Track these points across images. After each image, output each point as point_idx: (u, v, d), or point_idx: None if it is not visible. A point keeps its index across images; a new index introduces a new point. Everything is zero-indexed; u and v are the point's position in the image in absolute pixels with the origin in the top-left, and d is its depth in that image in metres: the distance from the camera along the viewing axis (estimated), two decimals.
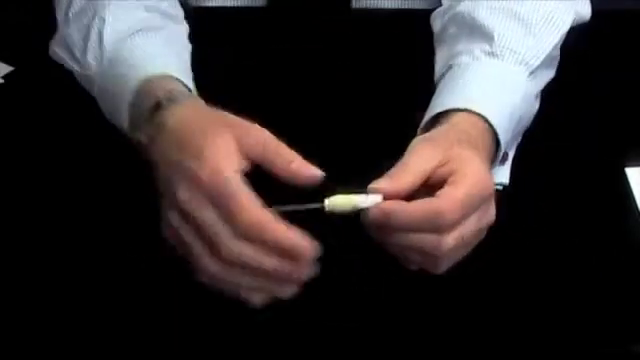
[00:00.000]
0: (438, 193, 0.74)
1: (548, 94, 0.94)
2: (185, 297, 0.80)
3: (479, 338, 0.79)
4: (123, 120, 0.85)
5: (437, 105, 0.85)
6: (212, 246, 0.72)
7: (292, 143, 0.91)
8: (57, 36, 0.95)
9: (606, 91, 1.01)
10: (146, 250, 0.83)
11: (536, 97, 0.92)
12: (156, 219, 0.84)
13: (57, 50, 0.95)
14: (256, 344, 0.78)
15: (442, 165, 0.77)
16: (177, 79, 0.85)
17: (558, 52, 0.94)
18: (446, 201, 0.74)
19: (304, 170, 0.75)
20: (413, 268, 0.78)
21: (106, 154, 0.92)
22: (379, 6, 1.06)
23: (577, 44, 0.95)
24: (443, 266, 0.77)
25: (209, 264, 0.73)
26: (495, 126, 0.83)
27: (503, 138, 0.85)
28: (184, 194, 0.73)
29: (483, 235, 0.78)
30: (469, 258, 0.78)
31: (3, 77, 1.02)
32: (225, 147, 0.74)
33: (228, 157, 0.73)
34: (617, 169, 0.93)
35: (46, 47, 0.97)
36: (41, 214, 0.87)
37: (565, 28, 0.92)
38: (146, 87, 0.84)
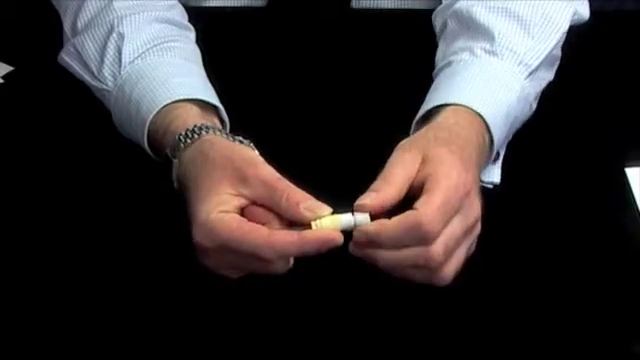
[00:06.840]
0: (416, 204, 0.74)
1: (548, 94, 0.94)
2: (185, 297, 0.80)
3: (479, 338, 0.79)
4: (140, 138, 0.86)
5: (434, 99, 0.85)
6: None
7: (292, 143, 0.91)
8: (67, 46, 0.94)
9: (606, 91, 1.01)
10: (145, 249, 0.83)
11: (535, 99, 0.92)
12: (155, 219, 0.84)
13: (68, 60, 0.94)
14: (257, 344, 0.78)
15: (421, 167, 0.77)
16: (201, 100, 0.86)
17: (559, 52, 0.94)
18: (424, 212, 0.74)
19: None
20: (419, 281, 0.77)
21: (106, 154, 0.92)
22: (379, 6, 1.07)
23: (577, 44, 0.95)
24: (445, 275, 0.76)
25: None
26: (490, 124, 0.84)
27: (497, 137, 0.85)
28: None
29: (477, 231, 0.78)
30: (469, 258, 0.78)
31: (3, 77, 1.02)
32: (216, 201, 0.76)
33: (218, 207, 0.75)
34: (617, 169, 0.93)
35: (46, 47, 0.97)
36: (41, 214, 0.87)
37: (564, 28, 0.92)
38: (166, 115, 0.85)
